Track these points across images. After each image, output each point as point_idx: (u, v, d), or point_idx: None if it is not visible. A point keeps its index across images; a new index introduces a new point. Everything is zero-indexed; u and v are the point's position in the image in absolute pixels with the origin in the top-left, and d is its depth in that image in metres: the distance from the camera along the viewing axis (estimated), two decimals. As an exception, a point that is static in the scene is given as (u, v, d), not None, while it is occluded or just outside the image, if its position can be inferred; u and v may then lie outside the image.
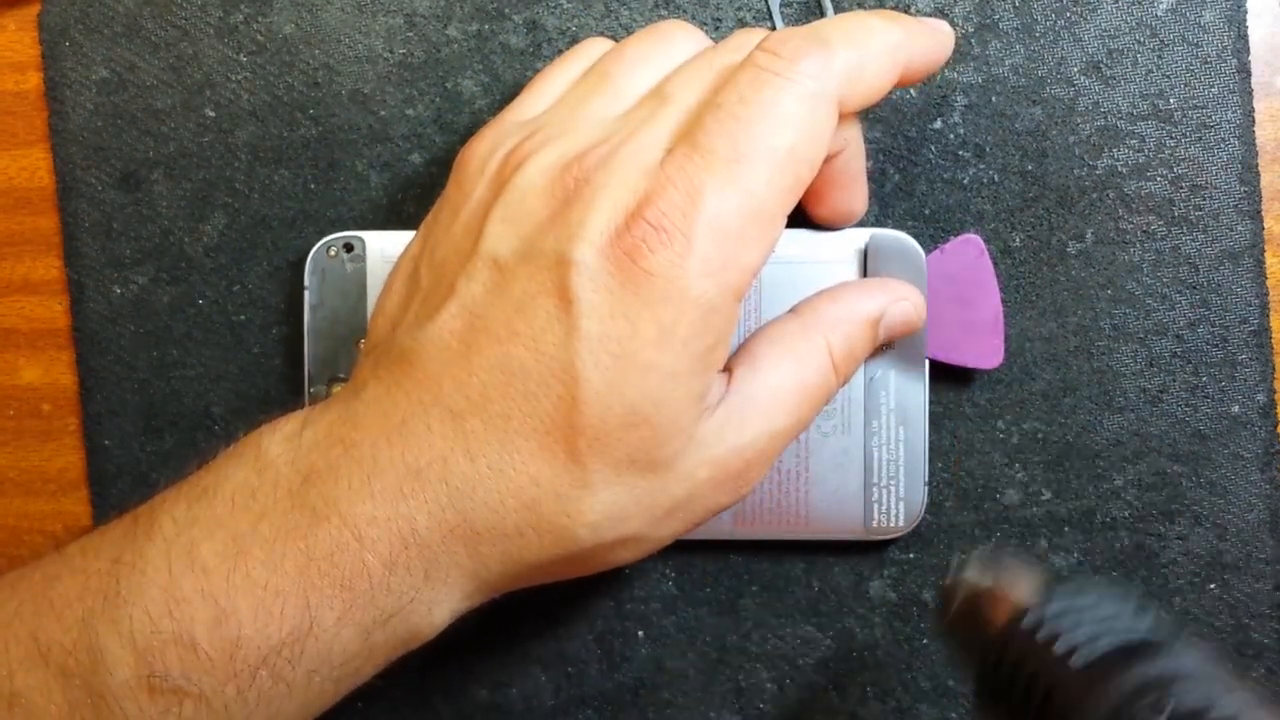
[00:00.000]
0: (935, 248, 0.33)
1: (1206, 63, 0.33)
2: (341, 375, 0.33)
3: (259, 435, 0.26)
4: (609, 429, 0.25)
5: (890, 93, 0.27)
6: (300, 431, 0.26)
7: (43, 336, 0.36)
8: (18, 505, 0.36)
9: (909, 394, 0.33)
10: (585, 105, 0.28)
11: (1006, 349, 0.33)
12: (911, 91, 0.34)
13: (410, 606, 0.25)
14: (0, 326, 0.36)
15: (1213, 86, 0.33)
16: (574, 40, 0.34)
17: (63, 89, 0.35)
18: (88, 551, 0.26)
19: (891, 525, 0.33)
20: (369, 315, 0.31)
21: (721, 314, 0.25)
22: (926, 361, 0.33)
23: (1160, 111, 0.33)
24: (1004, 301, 0.33)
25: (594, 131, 0.27)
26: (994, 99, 0.34)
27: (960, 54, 0.34)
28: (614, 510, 0.25)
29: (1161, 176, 0.33)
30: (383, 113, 0.35)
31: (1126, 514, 0.34)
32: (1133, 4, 0.33)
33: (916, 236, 0.33)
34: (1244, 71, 0.33)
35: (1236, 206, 0.33)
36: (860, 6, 0.34)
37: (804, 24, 0.27)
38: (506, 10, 0.35)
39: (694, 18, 0.34)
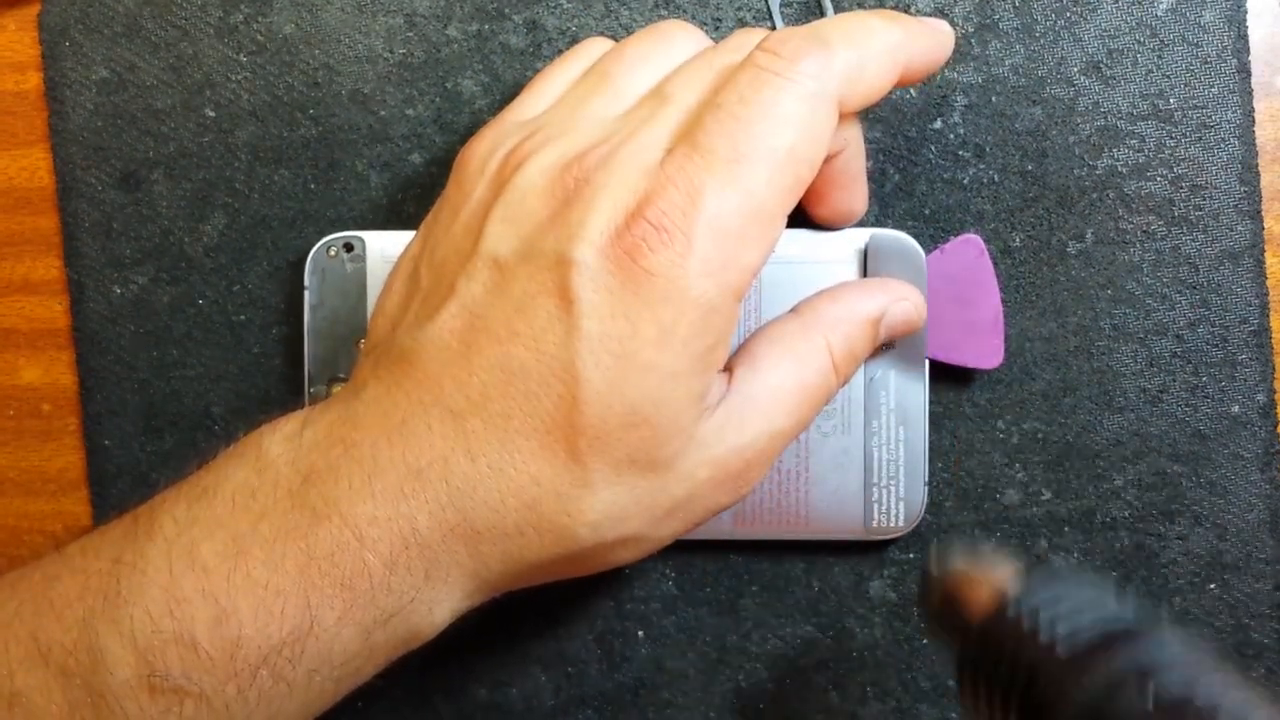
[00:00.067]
0: (935, 248, 0.33)
1: (1206, 63, 0.33)
2: (341, 375, 0.33)
3: (259, 435, 0.26)
4: (609, 429, 0.25)
5: (890, 93, 0.27)
6: (300, 431, 0.26)
7: (43, 336, 0.36)
8: (18, 505, 0.36)
9: (909, 394, 0.33)
10: (585, 105, 0.28)
11: (1006, 349, 0.33)
12: (911, 91, 0.34)
13: (411, 606, 0.25)
14: (0, 326, 0.36)
15: (1213, 86, 0.33)
16: (574, 40, 0.34)
17: (63, 89, 0.35)
18: (88, 551, 0.26)
19: (891, 525, 0.33)
20: (369, 315, 0.31)
21: (721, 314, 0.25)
22: (926, 361, 0.33)
23: (1160, 111, 0.33)
24: (1004, 301, 0.33)
25: (594, 131, 0.27)
26: (994, 99, 0.34)
27: (960, 54, 0.34)
28: (614, 510, 0.25)
29: (1161, 176, 0.33)
30: (383, 113, 0.35)
31: (1126, 514, 0.34)
32: (1133, 4, 0.33)
33: (916, 236, 0.33)
34: (1244, 71, 0.33)
35: (1236, 206, 0.33)
36: (860, 6, 0.34)
37: (804, 24, 0.27)
38: (506, 10, 0.35)
39: (694, 18, 0.34)
